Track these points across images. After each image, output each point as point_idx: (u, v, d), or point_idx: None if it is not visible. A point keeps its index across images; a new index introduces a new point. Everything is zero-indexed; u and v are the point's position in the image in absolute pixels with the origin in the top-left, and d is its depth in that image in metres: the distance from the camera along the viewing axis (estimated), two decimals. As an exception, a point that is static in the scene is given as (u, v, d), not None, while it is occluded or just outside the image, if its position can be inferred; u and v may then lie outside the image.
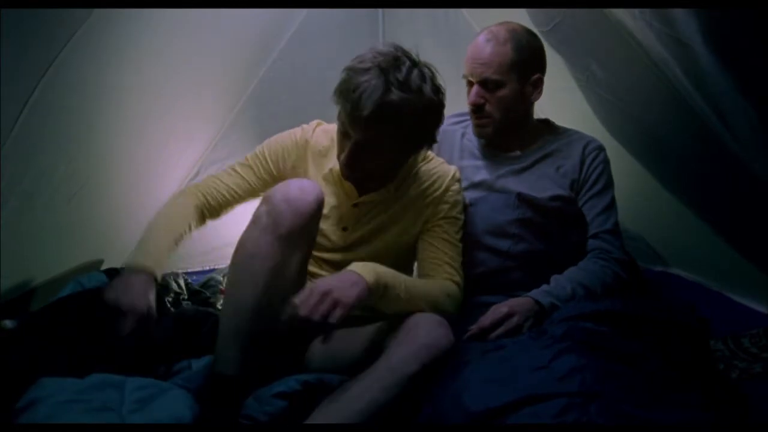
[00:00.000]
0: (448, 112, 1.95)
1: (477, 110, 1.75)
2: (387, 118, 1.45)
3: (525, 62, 1.72)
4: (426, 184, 1.67)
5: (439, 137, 1.88)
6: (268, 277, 1.42)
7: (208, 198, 1.63)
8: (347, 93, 1.46)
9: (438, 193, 1.66)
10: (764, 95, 1.24)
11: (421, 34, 2.52)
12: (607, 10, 1.58)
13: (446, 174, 1.69)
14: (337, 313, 1.31)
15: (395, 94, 1.44)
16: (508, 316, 1.49)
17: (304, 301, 1.31)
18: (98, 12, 1.43)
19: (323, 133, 1.69)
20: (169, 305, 1.80)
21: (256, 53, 2.41)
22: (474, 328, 1.48)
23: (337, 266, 1.63)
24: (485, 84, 1.71)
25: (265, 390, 1.39)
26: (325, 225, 1.63)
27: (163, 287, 1.82)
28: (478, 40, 1.73)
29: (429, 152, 1.71)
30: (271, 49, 2.45)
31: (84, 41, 1.45)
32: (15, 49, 1.29)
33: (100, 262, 1.99)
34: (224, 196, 1.65)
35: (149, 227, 1.55)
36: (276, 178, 1.66)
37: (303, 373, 1.47)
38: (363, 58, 1.48)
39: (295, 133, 1.69)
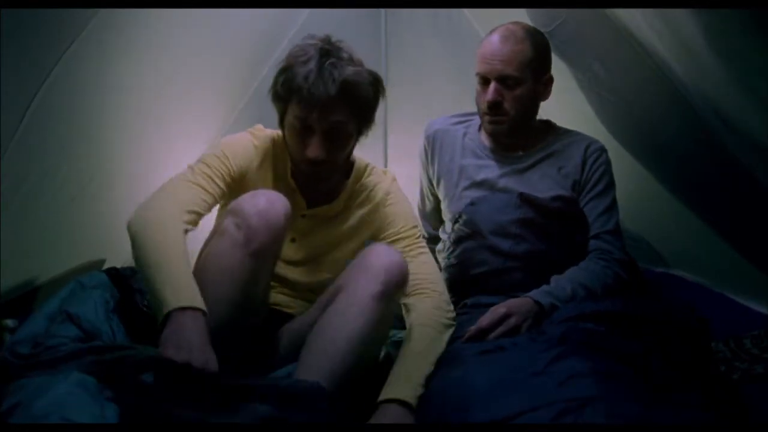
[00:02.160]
0: (450, 111, 1.97)
1: (494, 107, 1.73)
2: (349, 93, 1.45)
3: (540, 61, 1.74)
4: (370, 195, 1.65)
5: (439, 137, 1.90)
6: (239, 294, 1.37)
7: (192, 218, 1.46)
8: (302, 84, 1.43)
9: (381, 204, 1.64)
10: (765, 97, 1.24)
11: (423, 34, 2.53)
12: (608, 11, 1.59)
13: (384, 181, 1.68)
14: None
15: (349, 69, 1.45)
16: (507, 316, 1.49)
17: None
18: (101, 14, 1.44)
19: (271, 138, 1.64)
20: (146, 309, 1.70)
21: (258, 53, 2.41)
22: (473, 329, 1.48)
23: (288, 280, 1.62)
24: (504, 81, 1.71)
25: None
26: None
27: (137, 291, 1.68)
28: (493, 38, 1.73)
29: (369, 163, 1.70)
30: (273, 49, 2.45)
31: (86, 43, 1.45)
32: (19, 50, 1.29)
33: (102, 261, 1.99)
34: (201, 212, 1.48)
35: (156, 262, 1.32)
36: (236, 182, 1.56)
37: (270, 364, 1.46)
38: (297, 52, 1.47)
39: (253, 140, 1.61)
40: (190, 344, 1.20)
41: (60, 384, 1.20)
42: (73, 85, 1.52)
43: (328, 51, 1.46)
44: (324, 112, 1.45)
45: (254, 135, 1.62)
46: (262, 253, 1.39)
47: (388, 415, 1.31)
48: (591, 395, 1.12)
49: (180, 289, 1.27)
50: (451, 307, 1.56)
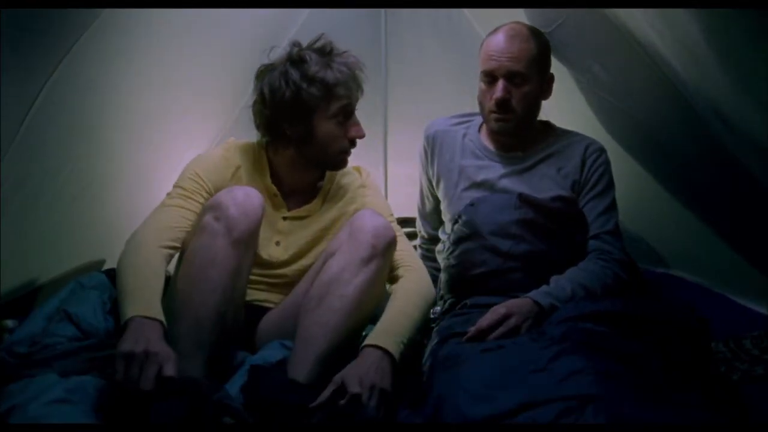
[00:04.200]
0: (450, 111, 1.97)
1: (502, 105, 1.73)
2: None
3: (543, 59, 1.75)
4: (345, 189, 1.73)
5: (439, 137, 1.90)
6: (227, 282, 1.42)
7: (171, 247, 1.50)
8: (340, 78, 1.56)
9: (357, 195, 1.72)
10: (765, 97, 1.24)
11: (423, 34, 2.53)
12: (608, 11, 1.58)
13: (358, 176, 1.76)
14: None
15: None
16: (506, 317, 1.49)
17: None
18: (104, 15, 1.44)
19: (241, 150, 1.69)
20: None
21: (258, 53, 2.40)
22: (472, 329, 1.48)
23: (276, 278, 1.66)
24: (512, 78, 1.71)
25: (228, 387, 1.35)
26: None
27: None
28: (500, 36, 1.72)
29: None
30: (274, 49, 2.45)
31: (88, 44, 1.46)
32: (21, 50, 1.29)
33: (102, 262, 2.00)
34: (181, 237, 1.52)
35: (127, 277, 1.38)
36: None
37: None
38: (297, 62, 1.61)
39: (224, 155, 1.66)
40: (147, 339, 1.22)
41: (56, 387, 1.20)
42: (75, 85, 1.52)
43: (321, 47, 1.61)
44: (359, 91, 1.63)
45: (224, 148, 1.69)
46: (243, 241, 1.44)
47: (368, 357, 1.35)
48: (591, 393, 1.13)
49: (142, 300, 1.31)
50: (432, 285, 1.63)
